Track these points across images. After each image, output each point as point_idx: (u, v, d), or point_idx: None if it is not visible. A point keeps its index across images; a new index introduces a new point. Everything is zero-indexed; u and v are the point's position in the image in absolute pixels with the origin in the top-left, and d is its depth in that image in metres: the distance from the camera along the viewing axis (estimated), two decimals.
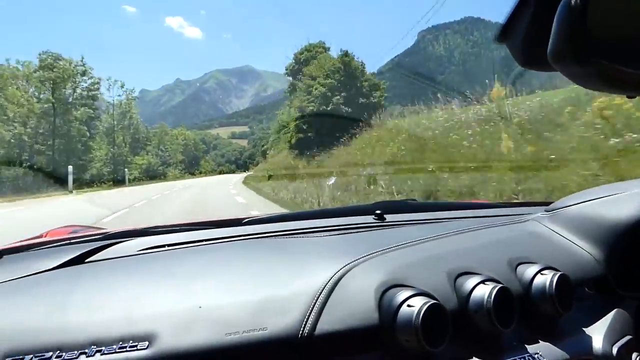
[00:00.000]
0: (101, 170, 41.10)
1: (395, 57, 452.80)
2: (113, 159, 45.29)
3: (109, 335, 0.72)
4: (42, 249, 1.11)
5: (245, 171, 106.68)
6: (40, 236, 1.43)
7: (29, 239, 1.35)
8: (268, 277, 0.88)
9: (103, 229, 1.52)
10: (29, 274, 0.92)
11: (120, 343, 0.71)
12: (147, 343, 0.71)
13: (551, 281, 0.87)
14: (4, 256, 1.04)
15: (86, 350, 0.69)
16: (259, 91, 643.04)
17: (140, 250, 1.07)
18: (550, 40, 0.46)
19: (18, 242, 1.27)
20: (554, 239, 1.13)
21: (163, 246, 1.10)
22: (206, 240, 1.14)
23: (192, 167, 79.32)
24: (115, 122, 48.99)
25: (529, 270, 0.93)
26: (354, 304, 0.79)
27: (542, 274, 0.90)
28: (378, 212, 1.30)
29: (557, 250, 1.08)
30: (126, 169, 43.44)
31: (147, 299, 0.82)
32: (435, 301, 0.75)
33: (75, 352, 0.69)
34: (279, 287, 0.84)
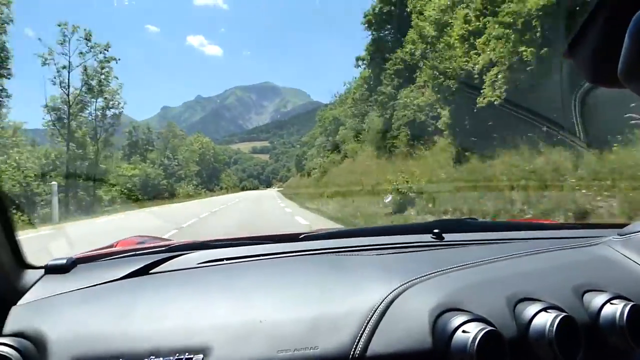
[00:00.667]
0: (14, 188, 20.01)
1: None
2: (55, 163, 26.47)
3: (167, 346, 0.74)
4: (112, 259, 1.17)
5: (268, 187, 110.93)
6: (112, 245, 1.58)
7: (101, 248, 1.50)
8: (322, 294, 0.88)
9: (168, 240, 1.67)
10: (98, 282, 0.98)
11: (177, 355, 0.72)
12: (201, 356, 0.73)
13: (622, 312, 0.80)
14: (79, 265, 1.10)
15: None
16: (279, 107, 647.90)
17: (201, 263, 1.10)
18: (622, 56, 0.44)
19: (92, 250, 1.36)
20: (626, 266, 1.03)
21: (223, 260, 1.12)
22: (264, 255, 1.15)
23: (210, 183, 67.42)
24: (70, 98, 28.22)
25: (597, 299, 0.86)
26: (407, 326, 0.77)
27: (611, 303, 0.84)
28: (436, 230, 1.26)
29: (630, 278, 0.98)
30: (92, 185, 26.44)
31: (205, 312, 0.84)
32: (492, 328, 0.72)
33: None
34: (333, 304, 0.84)
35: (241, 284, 0.96)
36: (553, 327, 0.74)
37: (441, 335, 0.74)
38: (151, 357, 0.73)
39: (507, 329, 0.77)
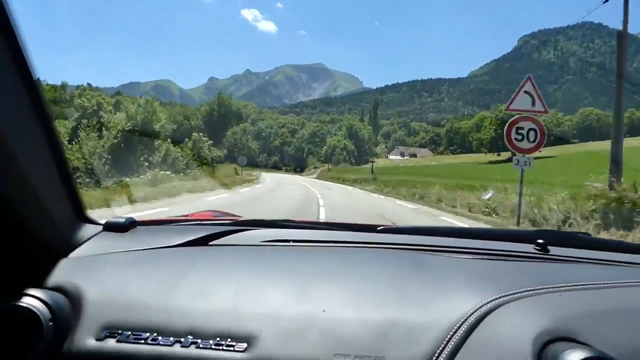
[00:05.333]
0: None
1: (492, 61, 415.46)
2: None
3: (209, 328, 0.68)
4: (174, 225, 1.14)
5: (300, 171, 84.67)
6: (187, 216, 1.51)
7: (173, 217, 1.46)
8: (399, 295, 0.76)
9: (243, 218, 1.59)
10: (153, 247, 0.95)
11: (218, 339, 0.66)
12: (245, 345, 0.66)
13: None
14: (138, 227, 1.07)
15: (182, 339, 0.66)
16: (328, 90, 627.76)
17: (265, 241, 1.03)
18: None
19: (159, 218, 1.32)
20: None
21: (289, 241, 1.04)
22: (335, 242, 1.05)
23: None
24: None
25: None
26: (501, 351, 0.63)
27: None
28: (540, 241, 1.10)
29: None
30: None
31: (260, 295, 0.75)
32: None
33: (171, 338, 0.67)
34: (410, 310, 0.72)
35: (306, 269, 0.85)
36: None
37: None
38: (188, 337, 0.67)
39: None
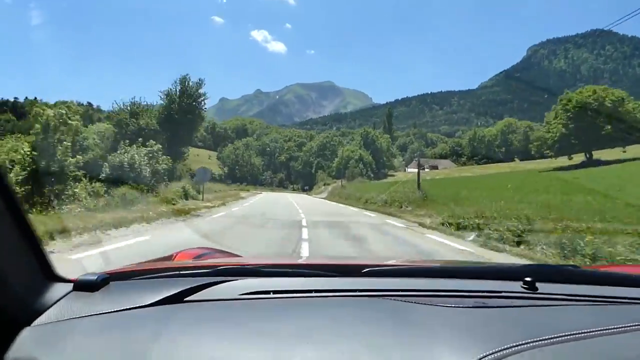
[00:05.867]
0: None
1: (502, 72, 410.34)
2: None
3: None
4: (149, 278, 1.08)
5: (308, 190, 71.35)
6: (171, 257, 1.56)
7: (157, 260, 1.48)
8: (383, 352, 0.73)
9: (232, 254, 1.69)
10: (124, 308, 0.89)
11: None
12: None
13: None
14: (111, 282, 1.02)
15: None
16: (338, 107, 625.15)
17: (245, 293, 0.99)
18: None
19: (134, 264, 1.29)
20: None
21: (269, 292, 1.01)
22: (318, 290, 1.02)
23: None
24: None
25: None
26: None
27: None
28: (528, 279, 1.05)
29: None
30: None
31: (237, 358, 0.73)
32: None
33: None
34: None
35: (284, 329, 0.83)
36: None
37: None
38: None
39: None
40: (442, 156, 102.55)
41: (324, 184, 63.98)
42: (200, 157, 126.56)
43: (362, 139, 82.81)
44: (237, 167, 79.40)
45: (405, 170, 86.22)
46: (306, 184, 76.71)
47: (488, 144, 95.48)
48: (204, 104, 39.70)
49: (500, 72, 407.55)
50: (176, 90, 38.00)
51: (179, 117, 36.98)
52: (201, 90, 38.72)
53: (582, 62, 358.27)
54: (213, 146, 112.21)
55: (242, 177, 76.94)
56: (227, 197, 29.20)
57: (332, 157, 79.52)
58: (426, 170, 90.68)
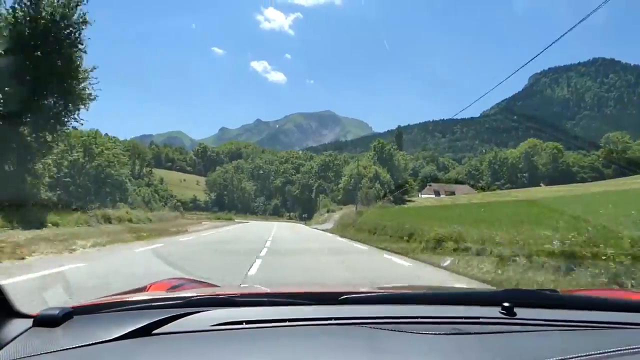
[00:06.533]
0: None
1: (503, 100, 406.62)
2: None
3: None
4: (115, 311, 1.03)
5: (307, 219, 58.39)
6: (144, 288, 1.52)
7: (126, 292, 1.41)
8: None
9: (209, 284, 1.64)
10: (87, 343, 0.83)
11: None
12: None
13: None
14: (75, 317, 0.97)
15: None
16: (338, 136, 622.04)
17: (216, 325, 0.95)
18: None
19: (101, 298, 1.24)
20: None
21: (242, 322, 0.97)
22: (292, 320, 0.99)
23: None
24: None
25: None
26: None
27: None
28: (506, 304, 1.03)
29: None
30: None
31: None
32: None
33: None
34: None
35: (259, 358, 0.80)
36: None
37: None
38: None
39: None
40: (458, 181, 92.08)
41: (327, 211, 50.36)
42: (187, 183, 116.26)
43: (376, 154, 65.27)
44: (225, 193, 68.58)
45: (419, 196, 75.31)
46: (305, 212, 64.04)
47: (511, 167, 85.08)
48: (81, 34, 18.41)
49: (502, 101, 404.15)
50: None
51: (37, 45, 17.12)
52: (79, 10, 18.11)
53: (585, 90, 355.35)
54: (204, 171, 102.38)
55: (231, 204, 66.18)
56: (170, 228, 18.44)
57: (336, 180, 64.79)
58: (442, 196, 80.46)
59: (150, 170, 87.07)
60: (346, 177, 56.57)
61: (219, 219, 38.84)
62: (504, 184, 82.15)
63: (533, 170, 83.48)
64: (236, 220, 42.50)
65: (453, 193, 78.84)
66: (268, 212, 69.98)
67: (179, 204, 53.66)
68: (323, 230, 31.23)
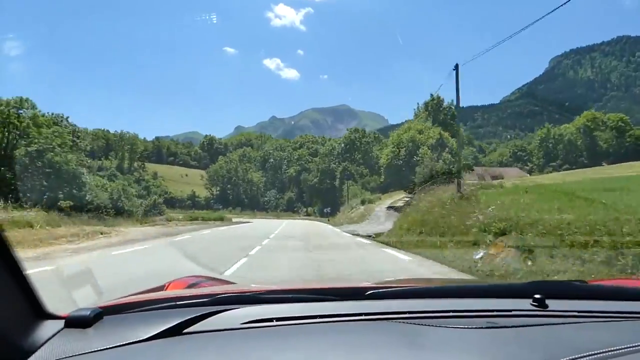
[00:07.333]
0: None
1: (524, 85, 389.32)
2: None
3: None
4: (144, 311, 1.03)
5: (329, 215, 43.44)
6: (162, 287, 1.55)
7: (148, 290, 1.46)
8: None
9: (226, 281, 1.68)
10: (120, 344, 0.84)
11: None
12: None
13: None
14: (105, 317, 0.98)
15: None
16: None
17: (246, 322, 0.95)
18: None
19: (126, 296, 1.26)
20: None
21: (272, 320, 0.97)
22: (321, 316, 0.99)
23: None
24: None
25: None
26: None
27: None
28: (537, 296, 1.02)
29: None
30: None
31: None
32: None
33: None
34: None
35: (292, 355, 0.80)
36: None
37: None
38: None
39: None
40: (503, 164, 79.46)
41: (362, 202, 35.61)
42: (189, 178, 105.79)
43: (430, 112, 42.30)
44: (229, 187, 57.46)
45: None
46: (326, 205, 48.62)
47: (568, 145, 71.82)
48: None
49: (523, 85, 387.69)
50: None
51: None
52: None
53: (611, 70, 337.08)
54: (210, 165, 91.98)
55: (236, 199, 55.24)
56: None
57: (368, 162, 49.18)
58: (487, 180, 68.59)
59: (142, 164, 79.98)
60: (392, 146, 38.79)
61: (193, 219, 28.15)
62: (561, 165, 69.22)
63: (593, 148, 70.26)
64: (234, 220, 31.94)
65: (501, 177, 66.45)
66: (280, 208, 58.20)
67: (159, 200, 43.04)
68: (364, 238, 17.19)
